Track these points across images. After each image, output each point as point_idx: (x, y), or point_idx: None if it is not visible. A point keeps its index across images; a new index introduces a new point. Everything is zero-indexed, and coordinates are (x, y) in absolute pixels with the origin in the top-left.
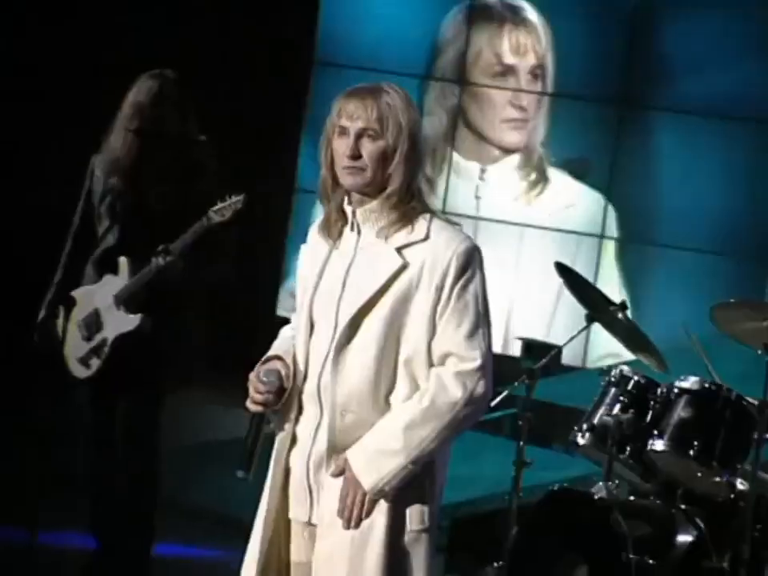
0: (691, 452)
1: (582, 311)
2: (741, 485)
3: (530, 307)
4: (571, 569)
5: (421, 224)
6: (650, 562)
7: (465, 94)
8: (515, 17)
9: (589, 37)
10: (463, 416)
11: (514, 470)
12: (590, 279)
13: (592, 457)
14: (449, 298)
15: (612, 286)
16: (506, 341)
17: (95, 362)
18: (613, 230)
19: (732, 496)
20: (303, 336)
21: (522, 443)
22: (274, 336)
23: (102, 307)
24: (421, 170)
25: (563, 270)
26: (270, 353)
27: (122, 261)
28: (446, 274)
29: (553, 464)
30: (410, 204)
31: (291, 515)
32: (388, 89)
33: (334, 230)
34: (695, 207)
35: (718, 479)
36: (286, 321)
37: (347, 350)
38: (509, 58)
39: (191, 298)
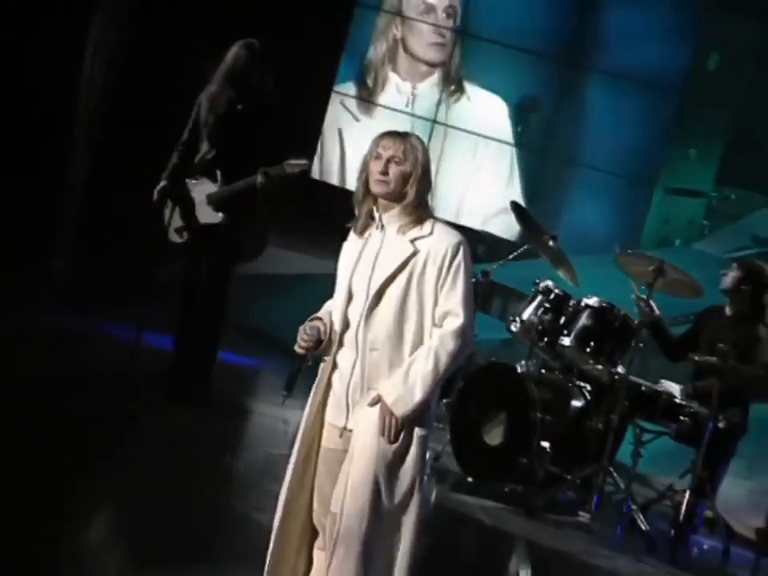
0: (588, 349)
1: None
2: (619, 372)
3: (451, 185)
4: (495, 416)
5: (428, 224)
6: (550, 418)
7: (403, 26)
8: None
9: (551, 8)
10: (457, 359)
11: None
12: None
13: (520, 339)
14: (446, 275)
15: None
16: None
17: (185, 234)
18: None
19: (612, 380)
20: (342, 303)
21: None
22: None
23: (197, 199)
24: (429, 192)
25: (516, 207)
26: (315, 315)
27: (218, 172)
28: (444, 259)
29: (492, 326)
30: (421, 212)
31: (329, 420)
32: (414, 136)
33: (363, 229)
34: (611, 143)
35: (602, 368)
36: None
37: (375, 311)
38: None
39: (267, 202)
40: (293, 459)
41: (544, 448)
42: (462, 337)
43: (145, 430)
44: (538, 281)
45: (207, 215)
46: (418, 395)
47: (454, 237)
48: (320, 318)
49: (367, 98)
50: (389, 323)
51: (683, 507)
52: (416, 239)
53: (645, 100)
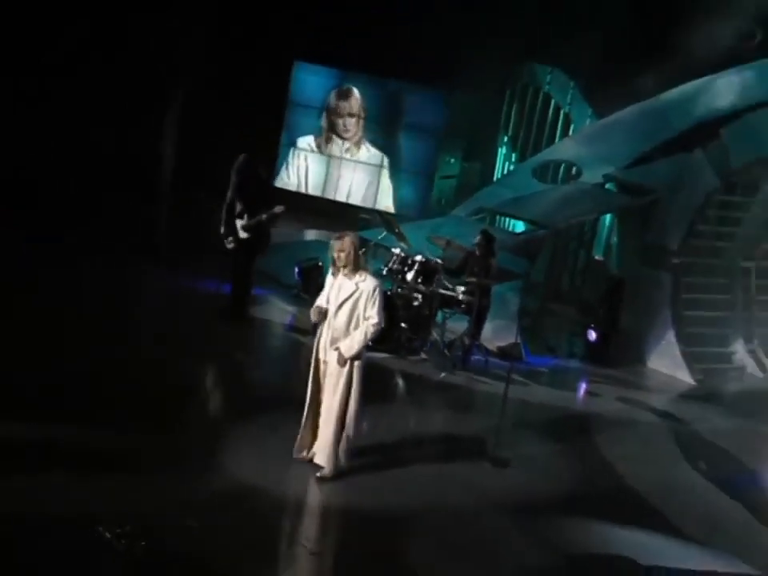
0: (419, 280)
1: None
2: (433, 288)
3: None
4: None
5: (364, 275)
6: (405, 312)
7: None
8: (347, 97)
9: (377, 97)
10: (373, 334)
11: None
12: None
13: (388, 278)
14: (370, 299)
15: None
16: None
17: (233, 244)
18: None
19: (431, 292)
20: (325, 302)
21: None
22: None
23: (238, 228)
24: (361, 258)
25: (379, 212)
26: (323, 306)
27: (246, 216)
28: (369, 292)
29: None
30: (360, 268)
31: (320, 354)
32: (348, 236)
33: (335, 273)
34: (414, 159)
35: (425, 287)
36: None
37: (338, 314)
38: (344, 110)
39: (268, 226)
40: (312, 370)
41: (403, 326)
42: (376, 327)
43: (220, 332)
44: (393, 249)
45: (242, 235)
46: (354, 347)
47: (374, 282)
48: (324, 304)
49: (321, 149)
50: (345, 319)
51: (467, 343)
52: (357, 282)
53: (426, 138)
